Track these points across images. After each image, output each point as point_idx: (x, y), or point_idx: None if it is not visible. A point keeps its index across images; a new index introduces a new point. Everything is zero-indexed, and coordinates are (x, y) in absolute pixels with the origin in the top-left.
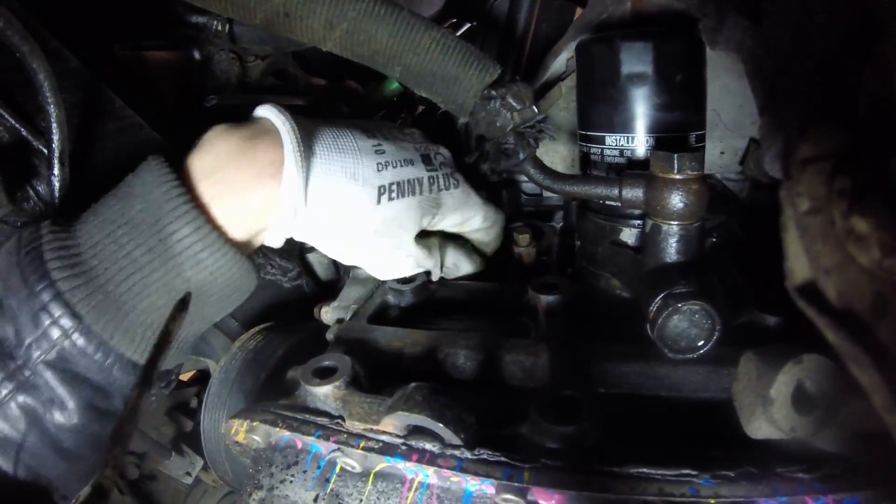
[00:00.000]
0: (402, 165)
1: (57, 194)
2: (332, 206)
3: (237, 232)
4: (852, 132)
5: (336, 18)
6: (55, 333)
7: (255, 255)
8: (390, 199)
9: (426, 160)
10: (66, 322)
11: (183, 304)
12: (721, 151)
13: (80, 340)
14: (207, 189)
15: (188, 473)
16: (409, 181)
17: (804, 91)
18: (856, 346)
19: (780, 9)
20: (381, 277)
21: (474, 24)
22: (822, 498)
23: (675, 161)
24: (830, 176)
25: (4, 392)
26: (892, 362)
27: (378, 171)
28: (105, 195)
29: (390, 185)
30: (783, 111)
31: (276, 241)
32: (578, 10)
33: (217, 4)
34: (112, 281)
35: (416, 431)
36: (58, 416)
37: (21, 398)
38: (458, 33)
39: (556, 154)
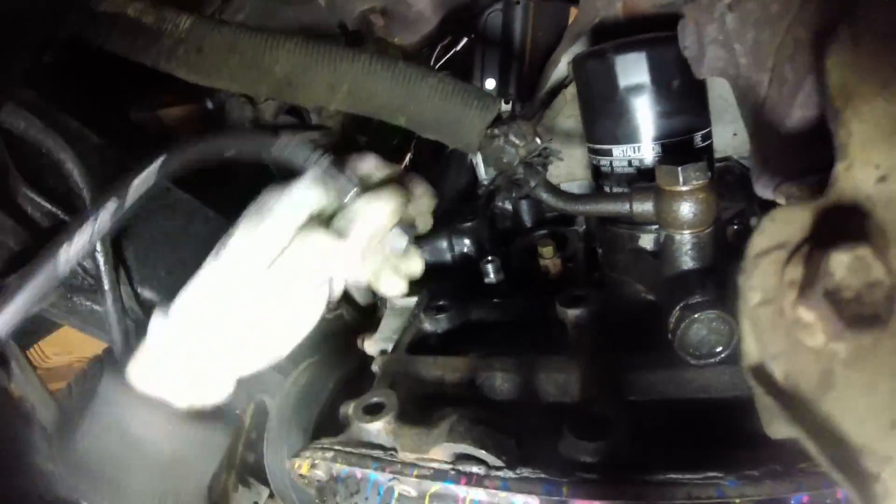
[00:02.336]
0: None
1: (103, 268)
2: (189, 307)
3: (180, 401)
4: (807, 217)
5: (336, 81)
6: None
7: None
8: (224, 245)
9: None
10: None
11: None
12: (734, 133)
13: None
14: (144, 381)
15: (256, 503)
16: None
17: (783, 140)
18: (797, 425)
19: (751, 52)
20: (297, 297)
21: (472, 36)
22: None
23: (680, 174)
24: (783, 266)
25: None
26: (835, 428)
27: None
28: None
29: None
30: (773, 142)
31: (210, 395)
32: (574, 11)
33: (223, 83)
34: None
35: (462, 457)
36: None
37: None
38: (458, 48)
39: (573, 158)
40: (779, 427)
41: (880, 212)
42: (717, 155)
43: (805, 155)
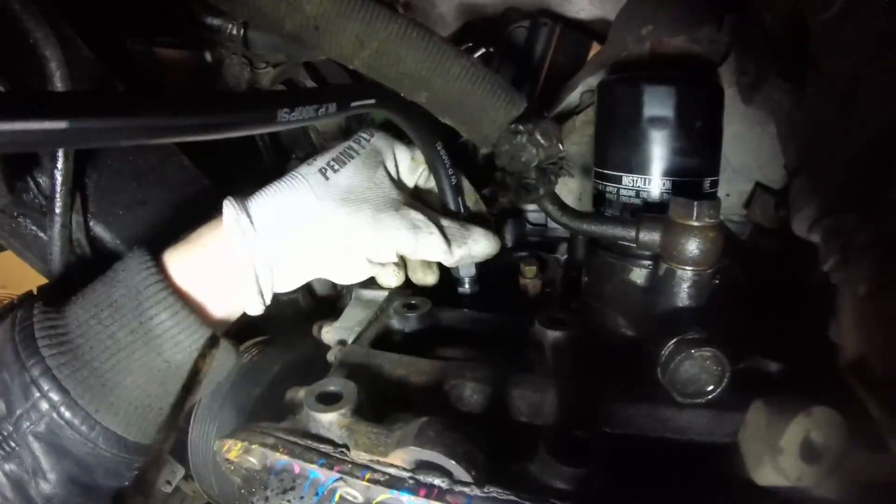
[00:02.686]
0: (333, 151)
1: (59, 189)
2: (281, 206)
3: (216, 309)
4: None
5: (367, 37)
6: (44, 406)
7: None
8: (335, 170)
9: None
10: (55, 395)
11: (213, 341)
12: (727, 194)
13: (66, 413)
14: (183, 275)
15: (168, 482)
16: (343, 152)
17: (847, 165)
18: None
19: (828, 80)
20: (383, 256)
21: (490, 49)
22: None
23: (695, 209)
24: (885, 260)
25: None
26: None
27: (312, 163)
28: (93, 281)
29: (328, 162)
30: (821, 178)
31: (254, 306)
32: (595, 46)
33: (244, 11)
34: (97, 359)
35: (424, 466)
36: (42, 486)
37: (8, 466)
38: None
39: (566, 187)
40: (766, 473)
41: None
42: None
43: (861, 186)
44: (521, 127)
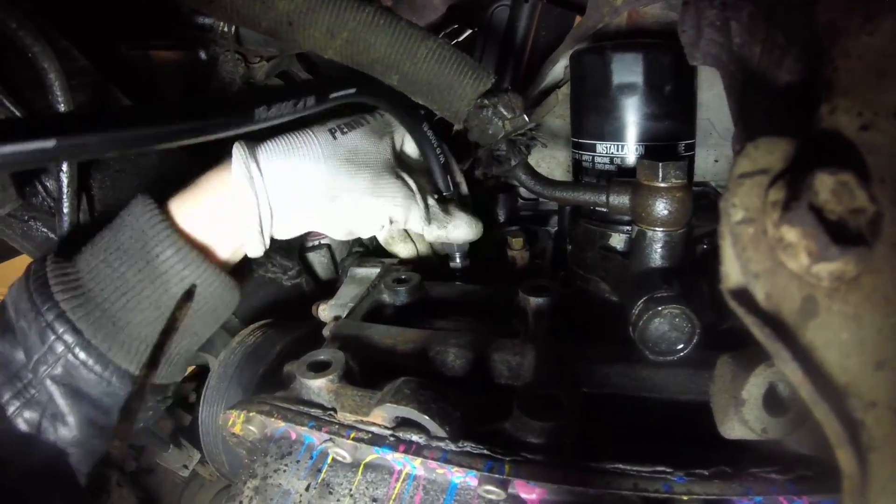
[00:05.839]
0: (346, 117)
1: (65, 190)
2: (288, 157)
3: (218, 249)
4: (791, 148)
5: (337, 28)
6: (59, 347)
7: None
8: (343, 132)
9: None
10: (69, 337)
11: (189, 295)
12: (715, 159)
13: (81, 354)
14: (187, 216)
15: (185, 466)
16: (354, 119)
17: (769, 107)
18: (778, 342)
19: (747, 28)
20: (376, 221)
21: (475, 30)
22: (796, 499)
23: (660, 170)
24: (766, 189)
25: (12, 409)
26: (818, 361)
27: (323, 124)
28: (101, 229)
29: (339, 125)
30: (752, 125)
31: (255, 247)
32: (577, 19)
33: (223, 13)
34: (108, 300)
35: (404, 424)
36: (62, 431)
37: (28, 414)
38: (460, 39)
39: (554, 160)
40: (732, 426)
41: (864, 156)
42: (696, 179)
43: (788, 125)
44: (485, 101)
